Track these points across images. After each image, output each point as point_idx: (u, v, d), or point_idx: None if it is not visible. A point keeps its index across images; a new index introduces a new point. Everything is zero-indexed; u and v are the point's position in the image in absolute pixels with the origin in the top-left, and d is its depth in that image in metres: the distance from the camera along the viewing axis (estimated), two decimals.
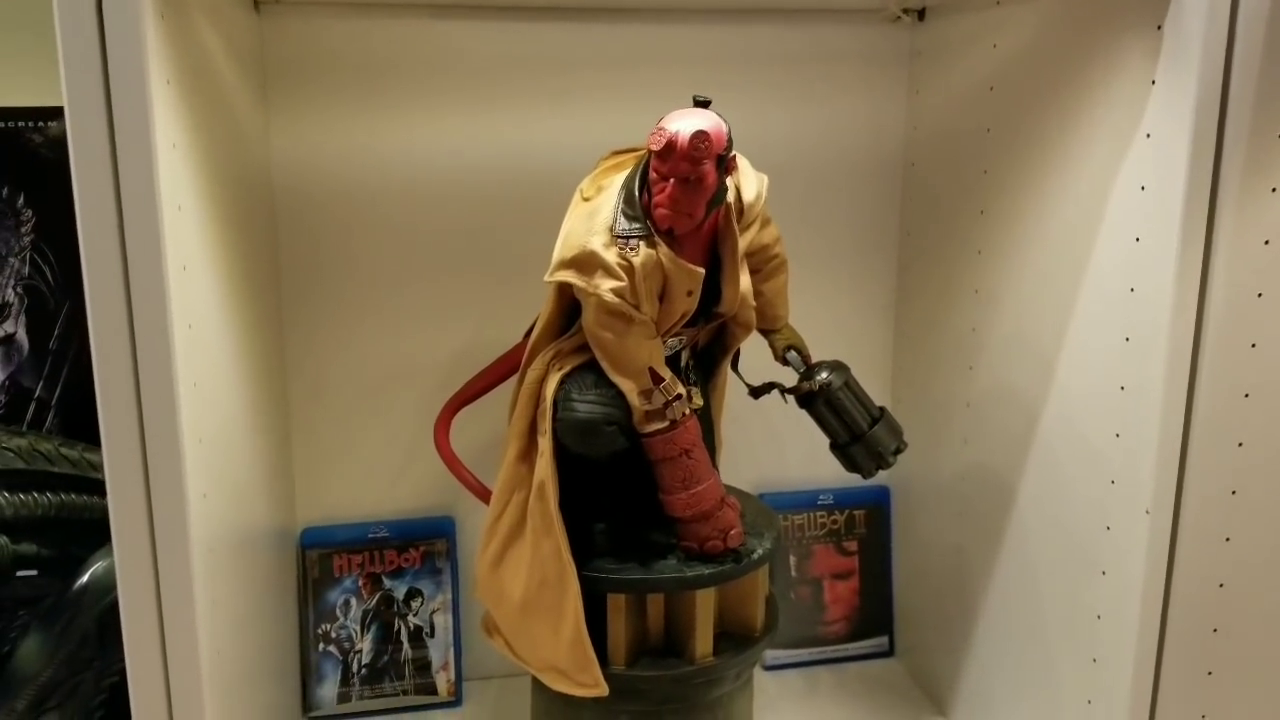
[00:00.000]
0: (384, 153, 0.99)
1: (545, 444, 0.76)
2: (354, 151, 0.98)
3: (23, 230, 0.94)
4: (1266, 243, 0.71)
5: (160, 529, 0.64)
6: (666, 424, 0.75)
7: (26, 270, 0.94)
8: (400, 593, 1.05)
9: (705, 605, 0.79)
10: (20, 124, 0.93)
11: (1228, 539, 0.75)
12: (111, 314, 0.61)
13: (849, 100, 1.06)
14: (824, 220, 1.09)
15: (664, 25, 1.01)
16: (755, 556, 0.80)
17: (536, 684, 0.83)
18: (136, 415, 0.62)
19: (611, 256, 0.71)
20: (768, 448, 1.11)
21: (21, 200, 0.94)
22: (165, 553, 0.64)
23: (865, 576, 1.14)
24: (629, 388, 0.74)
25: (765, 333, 0.87)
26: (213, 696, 0.69)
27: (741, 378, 0.87)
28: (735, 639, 0.82)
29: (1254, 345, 0.72)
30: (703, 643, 0.79)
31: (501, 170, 1.01)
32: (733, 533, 0.78)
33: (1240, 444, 0.74)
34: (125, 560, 0.64)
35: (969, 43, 0.94)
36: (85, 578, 0.79)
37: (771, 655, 1.12)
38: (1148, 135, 0.72)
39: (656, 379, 0.75)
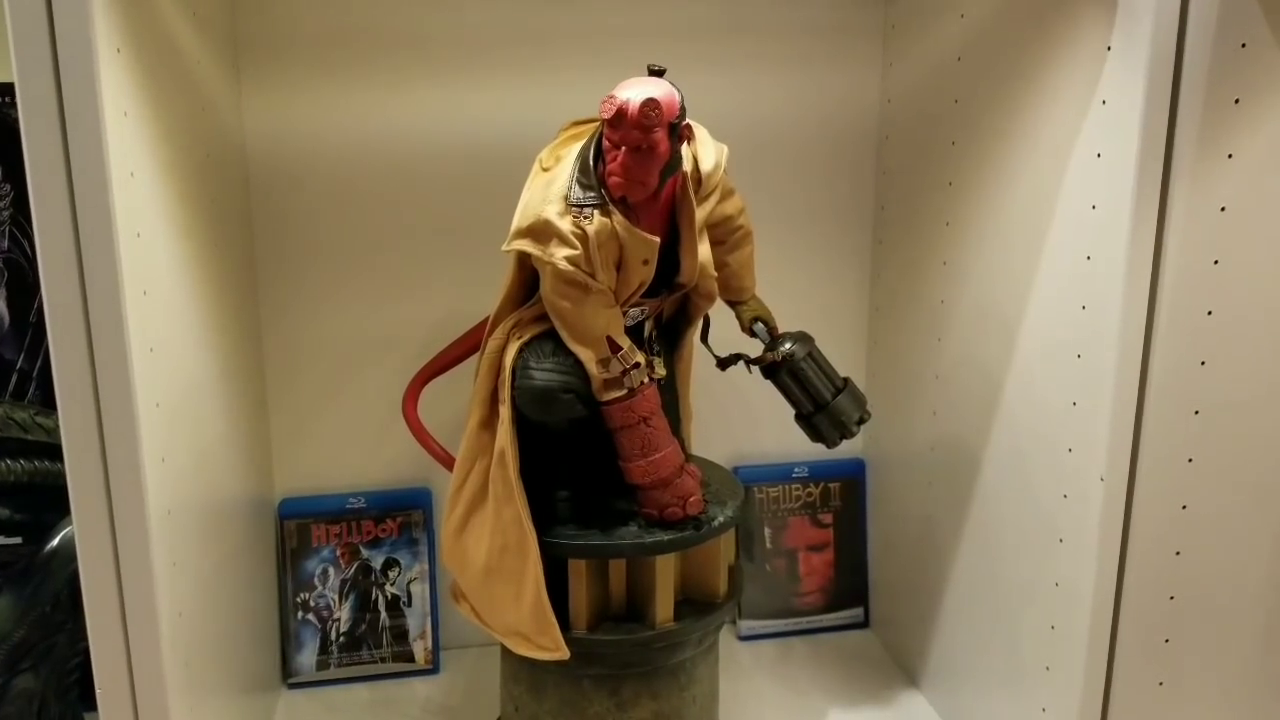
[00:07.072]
0: (359, 123, 0.99)
1: (506, 412, 0.77)
2: (329, 122, 0.99)
3: (1, 204, 0.95)
4: (1223, 209, 0.71)
5: (116, 489, 0.65)
6: (624, 392, 0.76)
7: (5, 244, 0.95)
8: (378, 562, 1.06)
9: (665, 571, 0.79)
10: None
11: (1184, 507, 0.75)
12: (64, 278, 0.62)
13: (825, 74, 1.06)
14: (801, 194, 1.09)
15: None
16: (716, 524, 0.80)
17: (505, 649, 0.84)
18: (90, 379, 0.63)
19: (566, 225, 0.71)
20: (743, 421, 1.12)
21: (0, 174, 0.95)
22: (122, 513, 0.65)
23: (840, 548, 1.14)
24: (587, 356, 0.75)
25: (732, 304, 0.87)
26: (174, 657, 0.70)
27: (711, 349, 0.87)
28: (697, 605, 0.83)
29: (1210, 313, 0.72)
30: (663, 608, 0.80)
31: (478, 142, 1.01)
32: (692, 500, 0.79)
33: (1196, 412, 0.74)
34: (83, 518, 0.65)
35: (939, 14, 0.94)
36: (55, 541, 0.80)
37: (746, 626, 1.13)
38: (1103, 102, 0.71)
39: (614, 347, 0.75)
